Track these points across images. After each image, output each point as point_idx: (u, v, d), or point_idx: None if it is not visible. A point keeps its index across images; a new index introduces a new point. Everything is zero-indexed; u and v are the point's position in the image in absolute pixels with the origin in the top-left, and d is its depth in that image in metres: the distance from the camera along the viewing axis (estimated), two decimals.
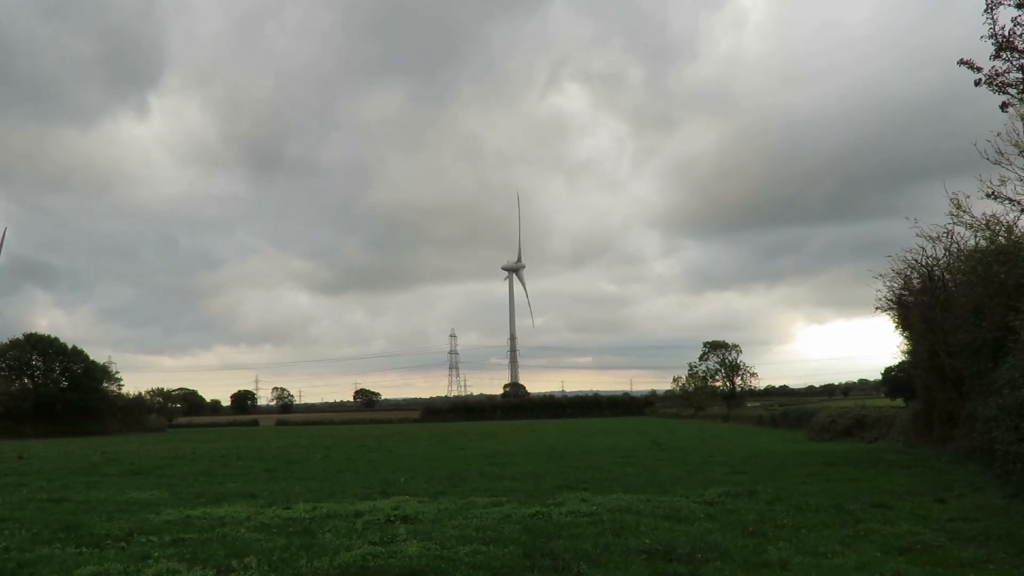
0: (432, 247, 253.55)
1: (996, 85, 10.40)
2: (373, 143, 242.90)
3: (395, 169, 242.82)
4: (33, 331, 63.65)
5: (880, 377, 73.13)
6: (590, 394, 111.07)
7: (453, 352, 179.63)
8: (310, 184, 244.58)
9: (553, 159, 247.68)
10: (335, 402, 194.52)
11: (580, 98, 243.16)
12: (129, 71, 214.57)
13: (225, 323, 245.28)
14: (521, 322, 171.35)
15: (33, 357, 61.68)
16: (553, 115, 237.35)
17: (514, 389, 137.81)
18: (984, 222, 14.70)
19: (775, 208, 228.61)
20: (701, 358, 73.63)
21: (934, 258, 18.96)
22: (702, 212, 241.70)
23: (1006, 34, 10.11)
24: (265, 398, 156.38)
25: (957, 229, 16.87)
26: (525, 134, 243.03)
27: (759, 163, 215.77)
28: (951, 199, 15.24)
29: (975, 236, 15.72)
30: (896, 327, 22.06)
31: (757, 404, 78.07)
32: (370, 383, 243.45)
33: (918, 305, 19.52)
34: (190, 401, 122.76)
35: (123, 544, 7.80)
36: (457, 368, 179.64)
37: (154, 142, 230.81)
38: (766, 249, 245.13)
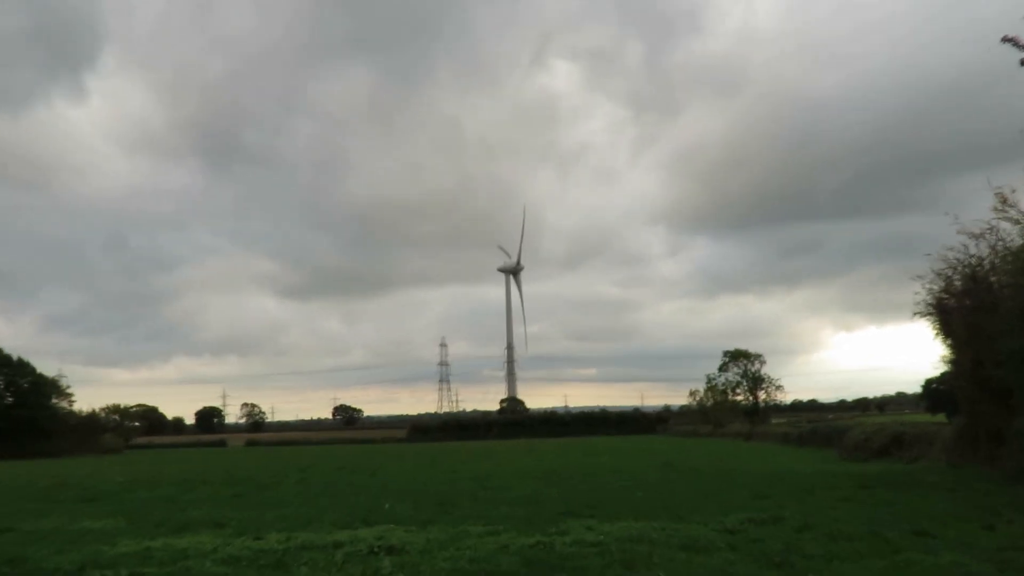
0: (412, 247, 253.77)
1: None
2: (341, 130, 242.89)
3: (367, 160, 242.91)
4: None
5: (919, 390, 73.23)
6: (596, 410, 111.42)
7: (443, 363, 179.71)
8: (272, 177, 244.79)
9: (542, 147, 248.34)
10: (312, 419, 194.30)
11: (570, 78, 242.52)
12: (62, 49, 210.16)
13: (185, 331, 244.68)
14: (518, 330, 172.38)
15: None
16: (540, 97, 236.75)
17: (511, 404, 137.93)
18: None
19: (792, 201, 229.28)
20: (720, 369, 74.02)
21: (977, 257, 18.86)
22: (711, 206, 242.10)
23: None
24: (233, 415, 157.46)
25: (1003, 225, 16.86)
26: (510, 119, 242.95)
27: (773, 151, 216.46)
28: (995, 193, 15.26)
29: (1023, 233, 15.72)
30: (936, 334, 21.95)
31: (783, 420, 78.26)
32: (350, 398, 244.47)
33: (960, 309, 19.42)
34: (149, 419, 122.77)
35: None
36: (447, 381, 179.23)
37: (94, 129, 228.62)
38: (783, 247, 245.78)
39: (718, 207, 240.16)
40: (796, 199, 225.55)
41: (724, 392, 73.50)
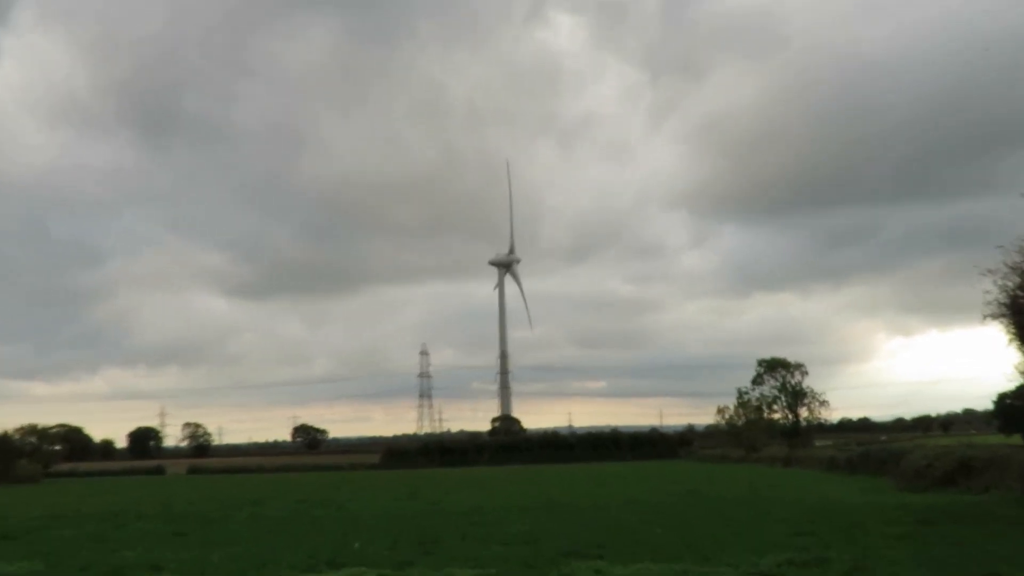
0: (388, 236, 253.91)
1: None
2: (303, 97, 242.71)
3: (333, 132, 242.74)
4: None
5: (991, 406, 73.55)
6: (606, 430, 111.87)
7: (424, 375, 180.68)
8: (220, 152, 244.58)
9: (542, 117, 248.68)
10: (267, 442, 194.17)
11: (575, 35, 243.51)
12: None
13: (116, 337, 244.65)
14: (514, 334, 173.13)
15: None
16: (539, 57, 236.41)
17: (505, 424, 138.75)
18: None
19: (839, 181, 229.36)
20: (754, 382, 73.93)
21: None
22: (742, 187, 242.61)
23: None
24: (173, 437, 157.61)
25: None
26: (503, 84, 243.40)
27: (815, 121, 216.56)
28: None
29: None
30: (1011, 340, 21.98)
31: (828, 443, 78.34)
32: (313, 417, 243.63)
33: None
34: (73, 441, 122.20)
35: None
36: (429, 396, 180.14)
37: (7, 95, 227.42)
38: (829, 235, 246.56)
39: (750, 188, 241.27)
40: (843, 178, 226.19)
41: (759, 409, 73.45)
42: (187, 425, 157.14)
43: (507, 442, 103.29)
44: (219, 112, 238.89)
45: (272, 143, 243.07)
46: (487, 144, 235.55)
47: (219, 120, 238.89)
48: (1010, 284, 21.20)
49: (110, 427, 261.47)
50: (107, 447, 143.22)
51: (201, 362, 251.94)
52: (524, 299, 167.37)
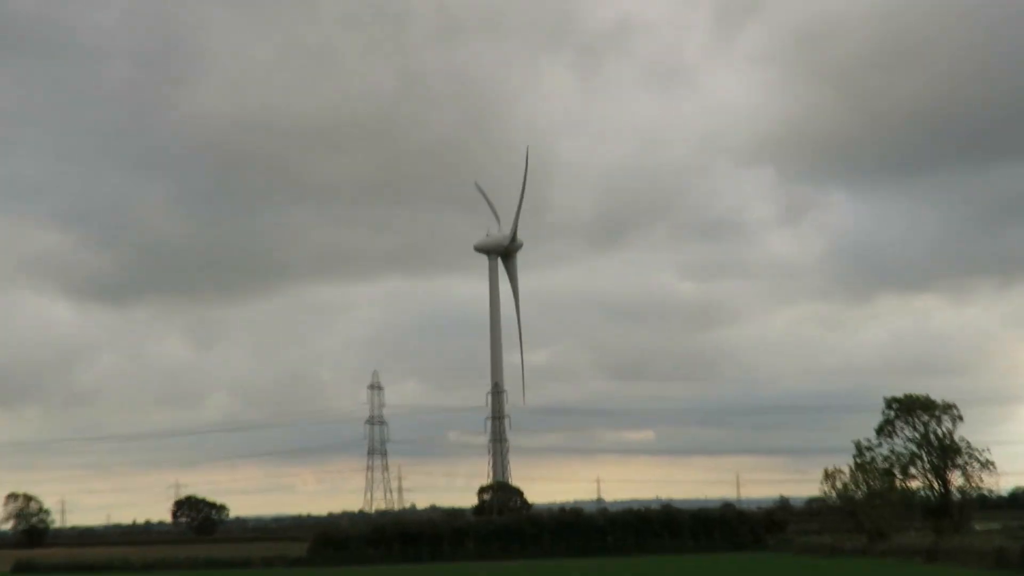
0: (315, 204, 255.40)
1: None
2: None
3: (230, 47, 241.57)
4: None
5: None
6: (654, 506, 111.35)
7: (375, 420, 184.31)
8: (61, 77, 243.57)
9: (551, 25, 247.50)
10: (136, 524, 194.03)
11: None
12: None
13: None
14: (513, 357, 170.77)
15: None
16: None
17: (501, 497, 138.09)
18: None
19: (1008, 123, 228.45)
20: (880, 432, 73.85)
21: None
22: (857, 131, 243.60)
23: None
24: None
25: None
26: None
27: (974, 31, 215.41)
28: None
29: None
30: None
31: (995, 525, 77.84)
32: (205, 485, 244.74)
33: None
34: None
35: None
36: (383, 454, 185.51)
37: None
38: (994, 206, 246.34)
39: (870, 133, 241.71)
40: (1005, 120, 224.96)
41: (887, 474, 73.28)
42: (11, 498, 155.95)
43: (503, 525, 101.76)
44: (59, 19, 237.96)
45: (138, 64, 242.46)
46: (465, 65, 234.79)
47: (60, 31, 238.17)
48: None
49: None
50: None
51: (32, 400, 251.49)
52: (517, 305, 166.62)
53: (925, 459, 72.80)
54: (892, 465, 73.17)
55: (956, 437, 72.49)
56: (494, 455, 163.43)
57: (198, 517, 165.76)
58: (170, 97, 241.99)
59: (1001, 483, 79.62)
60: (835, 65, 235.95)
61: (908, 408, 73.88)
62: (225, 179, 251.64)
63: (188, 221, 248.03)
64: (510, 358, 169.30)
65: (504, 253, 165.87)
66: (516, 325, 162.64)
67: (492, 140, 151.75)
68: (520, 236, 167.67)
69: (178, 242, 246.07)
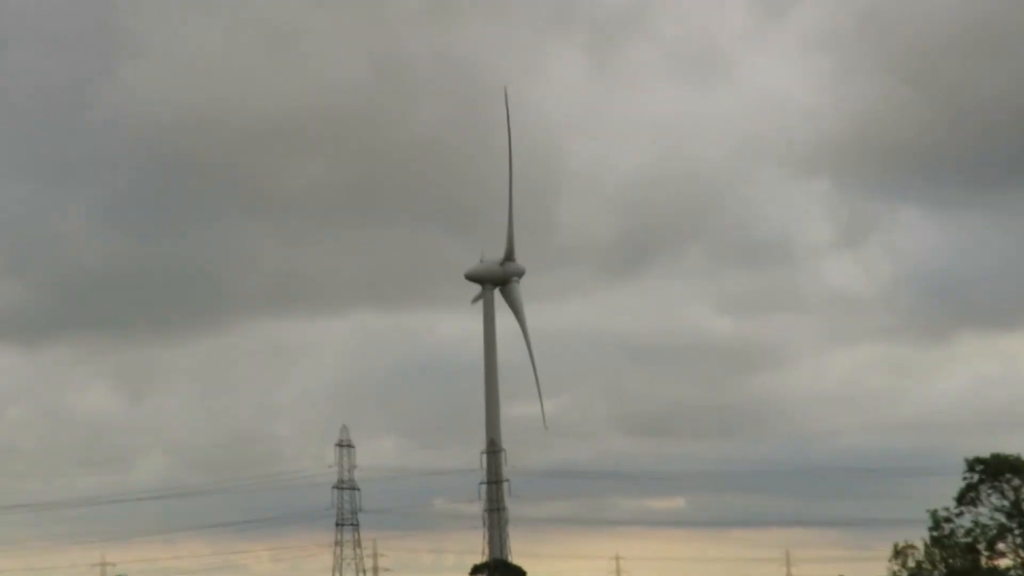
0: (271, 221, 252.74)
1: None
2: None
3: (163, 28, 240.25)
4: None
5: None
6: None
7: (344, 485, 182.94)
8: None
9: (558, 4, 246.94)
10: None
11: None
12: None
13: None
14: (513, 409, 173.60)
15: None
16: None
17: None
18: None
19: None
20: (960, 500, 73.58)
21: None
22: (931, 135, 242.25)
23: None
24: None
25: None
26: None
27: None
28: None
29: None
30: None
31: None
32: (135, 563, 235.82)
33: None
34: None
35: None
36: (355, 526, 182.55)
37: None
38: None
39: (947, 137, 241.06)
40: None
41: (970, 550, 72.96)
42: None
43: None
44: None
45: (54, 49, 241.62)
46: (456, 48, 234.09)
47: None
48: None
49: None
50: None
51: None
52: (527, 341, 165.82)
53: (1016, 532, 72.41)
54: (976, 540, 72.72)
55: None
56: (490, 527, 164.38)
57: None
58: (93, 91, 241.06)
59: None
60: (908, 53, 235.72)
61: (995, 470, 73.49)
62: (162, 190, 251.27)
63: (115, 242, 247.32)
64: (510, 410, 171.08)
65: (502, 282, 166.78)
66: (529, 365, 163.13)
67: (489, 142, 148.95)
68: (520, 260, 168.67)
69: (103, 268, 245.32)
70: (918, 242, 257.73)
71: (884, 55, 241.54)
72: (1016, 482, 72.60)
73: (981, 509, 73.03)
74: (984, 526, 72.77)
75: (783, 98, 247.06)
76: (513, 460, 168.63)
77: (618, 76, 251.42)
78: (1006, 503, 72.60)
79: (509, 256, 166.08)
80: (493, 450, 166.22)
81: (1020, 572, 72.47)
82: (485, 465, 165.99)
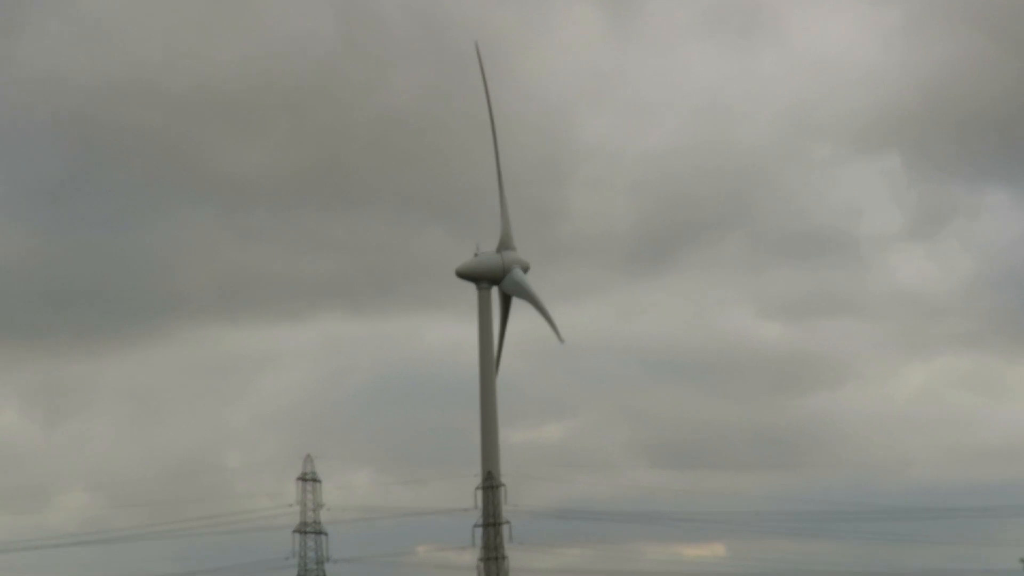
0: (223, 209, 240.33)
1: None
2: None
3: None
4: None
5: None
6: None
7: (307, 528, 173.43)
8: None
9: None
10: None
11: None
12: None
13: None
14: (514, 434, 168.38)
15: None
16: None
17: None
18: None
19: None
20: None
21: None
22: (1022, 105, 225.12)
23: None
24: None
25: None
26: None
27: None
28: None
29: None
30: None
31: None
32: None
33: None
34: None
35: None
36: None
37: None
38: None
39: None
40: None
41: None
42: None
43: None
44: None
45: None
46: (440, 5, 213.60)
47: None
48: None
49: None
50: None
51: None
52: (550, 321, 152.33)
53: None
54: None
55: None
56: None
57: None
58: None
59: None
60: (992, 5, 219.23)
61: None
62: (85, 174, 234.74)
63: (28, 237, 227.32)
64: (511, 436, 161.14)
65: (500, 279, 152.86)
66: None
67: (480, 114, 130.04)
68: (520, 252, 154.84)
69: (13, 267, 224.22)
70: (1005, 232, 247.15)
71: (962, 10, 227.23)
72: None
73: None
74: None
75: (838, 62, 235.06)
76: (515, 498, 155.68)
77: (640, 36, 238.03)
78: None
79: (506, 244, 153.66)
80: (490, 485, 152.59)
81: None
82: (480, 504, 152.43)
